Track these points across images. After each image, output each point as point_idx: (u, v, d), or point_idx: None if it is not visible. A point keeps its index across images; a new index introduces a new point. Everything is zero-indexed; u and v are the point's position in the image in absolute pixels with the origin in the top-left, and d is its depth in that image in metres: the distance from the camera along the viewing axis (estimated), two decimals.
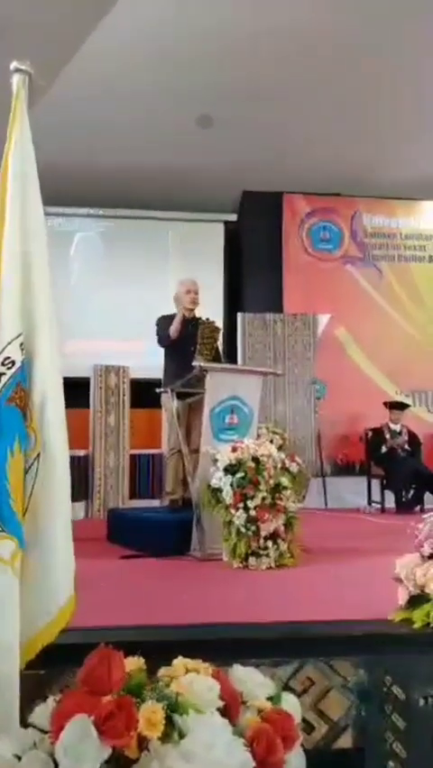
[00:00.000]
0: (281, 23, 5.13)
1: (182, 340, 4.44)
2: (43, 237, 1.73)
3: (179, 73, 5.67)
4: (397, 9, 4.97)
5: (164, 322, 4.52)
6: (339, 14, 5.03)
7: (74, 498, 5.95)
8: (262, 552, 3.32)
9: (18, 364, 1.59)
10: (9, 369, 1.57)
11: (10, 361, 1.57)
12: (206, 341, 4.46)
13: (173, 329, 4.40)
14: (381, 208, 7.96)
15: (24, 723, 1.37)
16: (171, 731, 1.25)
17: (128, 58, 5.49)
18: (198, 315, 4.61)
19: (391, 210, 7.98)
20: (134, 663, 1.38)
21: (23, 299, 1.64)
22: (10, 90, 1.81)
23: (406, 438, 6.65)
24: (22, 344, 1.60)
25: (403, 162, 7.24)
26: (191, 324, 4.53)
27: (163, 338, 4.49)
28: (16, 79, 1.81)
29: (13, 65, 1.82)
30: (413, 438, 6.73)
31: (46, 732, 1.29)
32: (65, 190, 6.75)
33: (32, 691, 1.50)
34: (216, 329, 4.65)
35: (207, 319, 4.64)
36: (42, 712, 1.33)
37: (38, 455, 1.61)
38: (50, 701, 1.34)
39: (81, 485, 6.21)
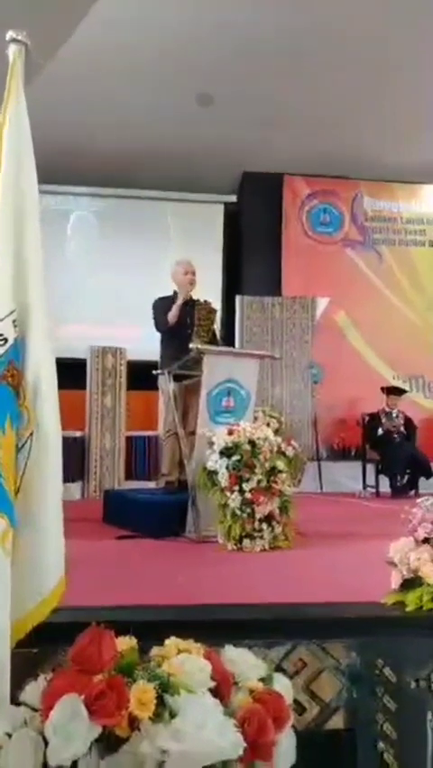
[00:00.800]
0: (286, 2, 5.03)
1: (179, 322, 4.40)
2: (37, 216, 1.69)
3: (180, 50, 5.58)
4: None
5: (162, 305, 4.47)
6: None
7: (70, 479, 5.94)
8: (256, 534, 3.33)
9: (11, 341, 1.57)
10: (2, 346, 1.55)
11: (2, 338, 1.55)
12: (202, 322, 4.42)
13: (172, 315, 4.35)
14: (382, 192, 7.89)
15: (15, 701, 1.37)
16: (162, 711, 1.25)
17: (128, 34, 5.39)
18: (194, 297, 4.57)
19: (392, 193, 7.91)
20: (126, 643, 1.38)
21: (16, 277, 1.61)
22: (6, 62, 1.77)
23: (402, 421, 6.65)
24: (14, 321, 1.58)
25: (405, 146, 7.16)
26: (188, 306, 4.49)
27: (161, 323, 4.45)
28: (12, 50, 1.76)
29: (9, 34, 1.77)
30: (409, 423, 6.73)
31: (36, 710, 1.29)
32: (62, 168, 6.67)
33: (23, 670, 1.50)
34: (213, 311, 4.61)
35: (205, 301, 4.60)
36: (33, 690, 1.33)
37: (31, 434, 1.60)
38: (41, 680, 1.34)
39: (77, 466, 6.21)
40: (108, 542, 3.58)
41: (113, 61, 5.71)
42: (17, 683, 1.43)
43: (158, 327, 4.50)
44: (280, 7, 5.10)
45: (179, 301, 4.38)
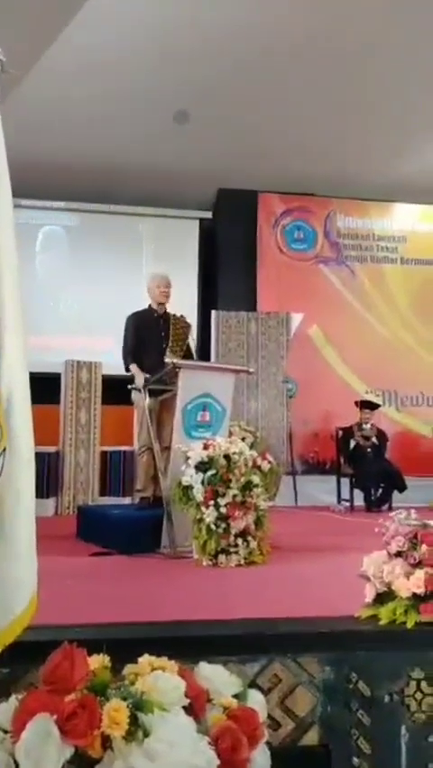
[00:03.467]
0: (260, 22, 5.13)
1: (154, 336, 4.41)
2: (12, 230, 1.69)
3: (157, 68, 5.63)
4: (376, 13, 5.01)
5: (132, 323, 4.48)
6: (319, 15, 5.05)
7: (43, 495, 5.86)
8: (231, 549, 3.33)
9: None
10: None
11: None
12: (177, 337, 4.43)
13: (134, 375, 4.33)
14: (354, 209, 8.03)
15: None
16: (136, 730, 1.23)
17: (105, 52, 5.43)
18: (169, 312, 4.58)
19: (364, 211, 8.05)
20: (98, 661, 1.36)
21: None
22: None
23: (374, 434, 6.72)
24: None
25: (377, 164, 7.31)
26: (162, 320, 4.50)
27: (125, 347, 4.46)
28: None
29: None
30: (381, 437, 6.80)
31: (7, 732, 1.26)
32: (35, 182, 6.66)
33: None
34: (188, 325, 4.62)
35: (181, 316, 4.62)
36: (5, 711, 1.30)
37: (3, 449, 1.58)
38: (13, 700, 1.31)
39: (51, 481, 6.14)
40: (82, 558, 3.53)
41: (90, 79, 5.74)
42: None
43: (123, 348, 4.49)
44: (258, 28, 5.19)
45: (140, 379, 4.27)
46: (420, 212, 8.15)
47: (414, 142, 6.96)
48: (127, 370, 4.41)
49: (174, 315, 4.56)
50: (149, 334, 4.42)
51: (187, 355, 4.45)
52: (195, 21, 5.10)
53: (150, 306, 4.57)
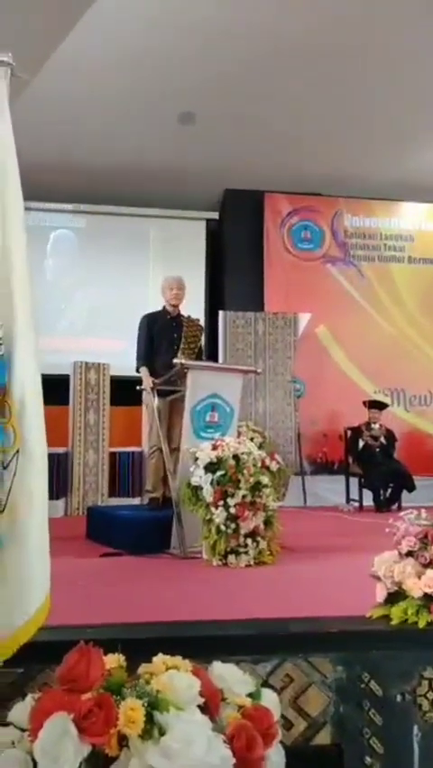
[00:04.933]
0: (266, 21, 5.13)
1: (166, 338, 4.44)
2: (23, 232, 1.71)
3: (163, 70, 5.65)
4: (383, 12, 5.00)
5: (145, 324, 4.50)
6: (323, 14, 5.05)
7: (53, 496, 5.88)
8: (241, 549, 3.33)
9: None
10: None
11: None
12: (189, 339, 4.45)
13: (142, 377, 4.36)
14: (361, 209, 8.01)
15: (2, 721, 1.36)
16: (151, 728, 1.24)
17: (111, 53, 5.45)
18: (182, 313, 4.60)
19: (371, 210, 8.04)
20: (114, 661, 1.37)
21: (2, 295, 1.62)
22: None
23: (383, 434, 6.70)
24: (0, 339, 1.58)
25: (384, 163, 7.30)
26: (175, 322, 4.52)
27: (138, 348, 4.48)
28: None
29: None
30: (390, 436, 6.79)
31: (25, 730, 1.28)
32: (45, 185, 6.69)
33: (10, 689, 1.48)
34: (200, 328, 4.66)
35: (197, 319, 4.65)
36: (21, 710, 1.32)
37: (17, 451, 1.59)
38: (29, 699, 1.33)
39: (60, 482, 6.16)
40: (92, 559, 3.55)
41: (97, 81, 5.76)
42: (4, 703, 1.42)
43: (137, 349, 4.52)
44: (262, 28, 5.20)
45: (148, 382, 4.30)
46: (428, 211, 8.12)
47: (421, 141, 6.95)
48: (138, 371, 4.42)
49: (187, 318, 4.58)
50: (161, 336, 4.44)
51: (198, 357, 4.47)
52: (201, 22, 5.11)
53: (163, 307, 4.60)
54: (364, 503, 6.40)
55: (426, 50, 5.47)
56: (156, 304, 4.88)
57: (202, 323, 4.83)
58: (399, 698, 1.86)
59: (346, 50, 5.46)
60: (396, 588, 2.00)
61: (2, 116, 1.75)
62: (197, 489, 3.44)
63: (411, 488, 6.29)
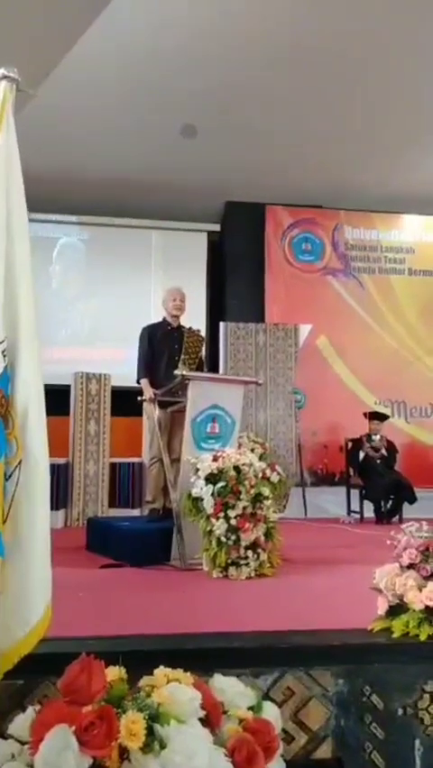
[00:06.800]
0: (266, 35, 5.18)
1: (167, 349, 4.45)
2: (27, 243, 1.72)
3: (164, 83, 5.70)
4: (384, 27, 5.06)
5: (147, 336, 4.51)
6: (324, 28, 5.10)
7: (53, 507, 5.87)
8: (242, 561, 3.32)
9: (0, 370, 1.58)
10: None
11: None
12: (190, 350, 4.47)
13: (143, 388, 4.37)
14: (362, 221, 8.06)
15: (2, 734, 1.35)
16: (152, 741, 1.24)
17: (114, 66, 5.50)
18: (183, 324, 4.61)
19: (371, 223, 8.08)
20: (115, 673, 1.37)
21: (6, 306, 1.63)
22: None
23: (384, 446, 6.70)
24: (4, 351, 1.59)
25: (384, 176, 7.35)
26: (176, 333, 4.54)
27: (138, 359, 4.49)
28: (3, 86, 1.82)
29: (0, 72, 1.82)
30: (391, 448, 6.78)
31: (25, 743, 1.27)
32: (50, 197, 6.73)
33: (10, 702, 1.48)
34: (201, 339, 4.67)
35: (198, 330, 4.67)
36: (22, 722, 1.32)
37: (19, 462, 1.60)
38: (30, 711, 1.32)
39: (60, 493, 6.15)
40: (92, 570, 3.54)
41: (100, 94, 5.81)
42: (4, 715, 1.41)
43: (138, 360, 4.53)
44: (262, 42, 5.25)
45: (149, 393, 4.31)
46: (428, 223, 8.16)
47: (421, 154, 6.99)
48: (138, 382, 4.43)
49: (188, 329, 4.59)
50: (162, 347, 4.45)
51: (199, 368, 4.48)
52: (202, 36, 5.16)
53: (164, 318, 4.62)
54: (365, 515, 6.39)
55: (426, 64, 5.52)
56: (157, 315, 4.90)
57: (203, 334, 4.85)
58: (400, 711, 1.85)
59: (347, 63, 5.51)
60: (397, 600, 1.99)
61: (7, 129, 1.77)
62: (197, 501, 3.43)
63: (412, 499, 6.27)
